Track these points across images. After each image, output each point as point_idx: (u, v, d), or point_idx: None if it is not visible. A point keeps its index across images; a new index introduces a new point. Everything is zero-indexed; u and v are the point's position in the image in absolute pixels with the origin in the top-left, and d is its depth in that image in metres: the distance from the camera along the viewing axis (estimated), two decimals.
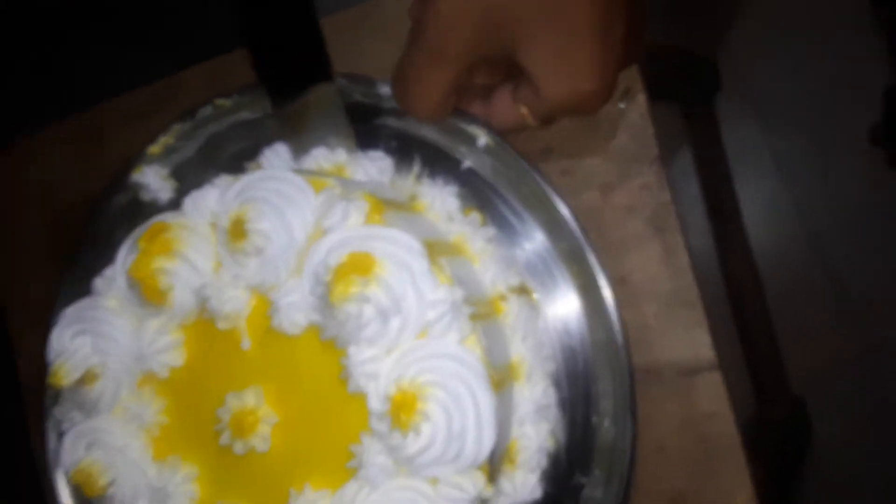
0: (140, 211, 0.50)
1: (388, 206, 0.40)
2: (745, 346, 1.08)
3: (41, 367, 0.56)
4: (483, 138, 0.43)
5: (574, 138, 0.43)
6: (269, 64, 0.42)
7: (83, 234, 0.52)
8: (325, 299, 0.37)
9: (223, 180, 0.42)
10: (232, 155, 0.49)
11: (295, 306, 0.39)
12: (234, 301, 0.40)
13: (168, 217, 0.42)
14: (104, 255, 0.49)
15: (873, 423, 1.05)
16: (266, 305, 0.40)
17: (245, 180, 0.41)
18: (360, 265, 0.36)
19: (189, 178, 0.50)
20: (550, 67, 0.36)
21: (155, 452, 0.42)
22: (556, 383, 0.43)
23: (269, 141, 0.47)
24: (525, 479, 0.42)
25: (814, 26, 1.11)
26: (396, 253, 0.37)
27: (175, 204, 0.49)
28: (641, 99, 0.42)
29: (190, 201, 0.42)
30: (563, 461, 0.43)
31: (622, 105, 0.44)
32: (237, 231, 0.39)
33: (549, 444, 0.43)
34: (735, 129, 1.14)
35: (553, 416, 0.43)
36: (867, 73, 1.05)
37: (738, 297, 1.09)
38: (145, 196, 0.50)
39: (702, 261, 1.10)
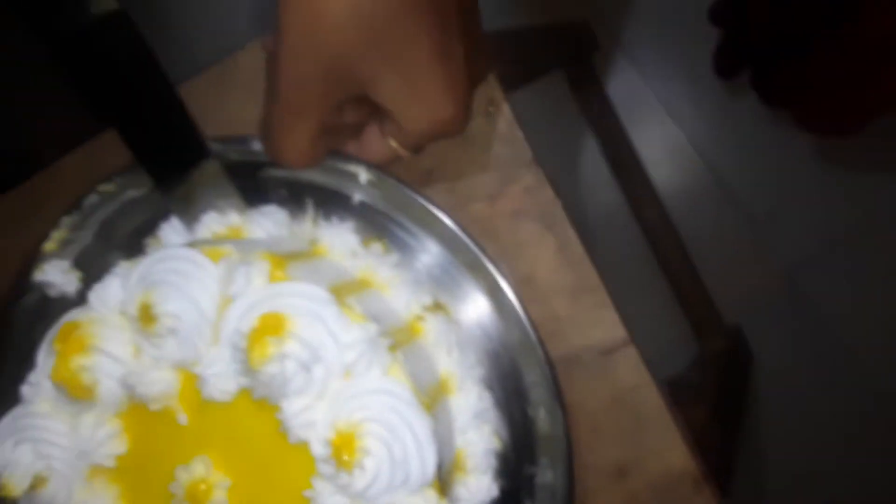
0: (51, 307, 0.50)
1: (289, 259, 0.42)
2: (674, 287, 1.13)
3: None
4: (364, 174, 0.44)
5: (452, 157, 0.45)
6: (144, 156, 0.43)
7: None
8: (247, 364, 0.38)
9: (122, 268, 0.42)
10: (129, 233, 0.50)
11: (221, 375, 0.40)
12: (160, 382, 0.41)
13: (76, 315, 0.43)
14: (27, 359, 0.49)
15: (806, 339, 1.11)
16: (193, 379, 0.41)
17: (143, 265, 0.41)
18: (272, 326, 0.38)
19: (92, 265, 0.50)
20: (404, 102, 0.37)
21: None
22: (489, 386, 0.45)
23: (161, 213, 0.48)
24: (479, 481, 0.44)
25: None
26: (305, 305, 0.38)
27: (84, 294, 0.50)
28: (506, 108, 0.44)
29: (94, 295, 0.43)
30: (511, 457, 0.45)
31: (490, 109, 0.46)
32: (146, 316, 0.40)
33: (495, 443, 0.45)
34: (619, 83, 1.18)
35: (492, 417, 0.45)
36: None
37: (656, 242, 1.14)
38: (53, 292, 0.50)
39: (615, 215, 1.15)
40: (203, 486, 0.41)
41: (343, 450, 0.37)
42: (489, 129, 0.44)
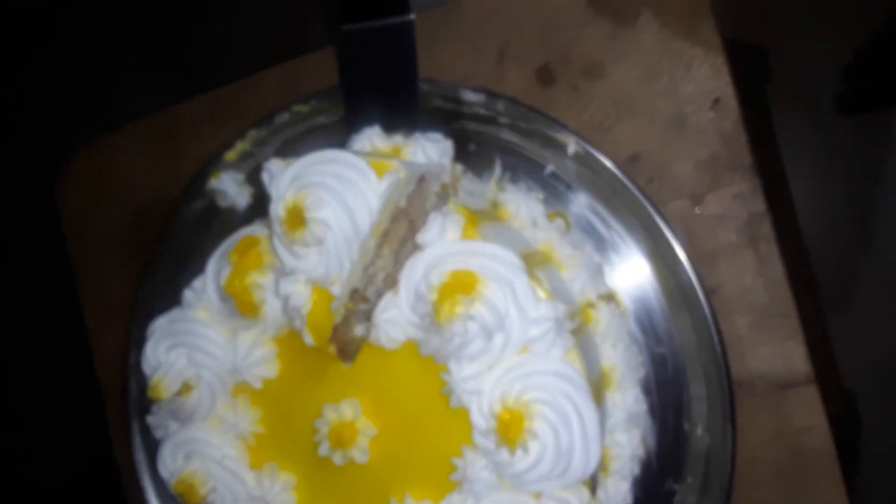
0: (216, 216, 0.50)
1: (480, 218, 0.40)
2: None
3: (116, 366, 0.57)
4: (573, 146, 0.42)
5: (662, 145, 0.43)
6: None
7: (160, 238, 0.52)
8: (429, 318, 0.37)
9: (275, 164, 0.39)
10: None
11: (393, 323, 0.39)
12: (294, 297, 0.38)
13: (256, 230, 0.42)
14: (183, 260, 0.50)
15: None
16: (328, 299, 0.37)
17: (302, 163, 0.37)
18: (463, 284, 0.36)
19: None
20: None
21: (252, 461, 0.43)
22: (646, 390, 0.43)
23: (343, 143, 0.47)
24: (617, 486, 0.42)
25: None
26: (497, 270, 0.37)
27: (252, 209, 0.50)
28: (733, 105, 0.41)
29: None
30: (655, 467, 0.43)
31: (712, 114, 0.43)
32: (295, 220, 0.36)
33: (640, 450, 0.43)
34: (787, 121, 1.11)
35: (643, 422, 0.43)
36: None
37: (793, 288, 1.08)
38: (222, 202, 0.50)
39: None
40: (349, 430, 0.40)
41: (509, 427, 0.36)
42: (711, 124, 0.41)
